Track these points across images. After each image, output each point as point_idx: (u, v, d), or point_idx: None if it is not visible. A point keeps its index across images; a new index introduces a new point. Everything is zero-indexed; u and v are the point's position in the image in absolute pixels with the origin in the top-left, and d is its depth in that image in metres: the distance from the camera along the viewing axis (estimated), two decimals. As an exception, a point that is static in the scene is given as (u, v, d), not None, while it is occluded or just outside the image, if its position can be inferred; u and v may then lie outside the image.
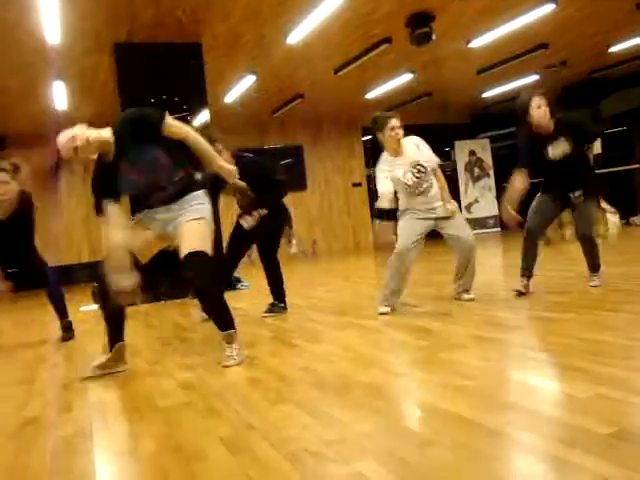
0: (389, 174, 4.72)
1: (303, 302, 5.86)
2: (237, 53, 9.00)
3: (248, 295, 7.11)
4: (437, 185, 4.83)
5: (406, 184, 4.73)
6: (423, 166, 4.75)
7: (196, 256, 3.43)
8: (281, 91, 11.55)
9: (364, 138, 14.92)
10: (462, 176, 15.53)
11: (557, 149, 4.63)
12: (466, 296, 4.89)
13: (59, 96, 9.86)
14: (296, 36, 8.24)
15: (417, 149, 4.79)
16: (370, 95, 12.29)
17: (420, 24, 7.94)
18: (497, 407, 2.28)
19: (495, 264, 8.17)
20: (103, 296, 3.68)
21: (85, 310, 7.41)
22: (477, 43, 9.40)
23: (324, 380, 2.98)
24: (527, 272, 4.80)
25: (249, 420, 2.45)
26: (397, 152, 4.75)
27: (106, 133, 3.36)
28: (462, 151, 15.59)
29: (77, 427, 2.62)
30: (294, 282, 8.84)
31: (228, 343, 3.55)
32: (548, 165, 4.71)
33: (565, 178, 4.67)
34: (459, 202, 15.67)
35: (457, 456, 1.87)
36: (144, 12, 7.20)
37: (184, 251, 3.43)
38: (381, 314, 4.64)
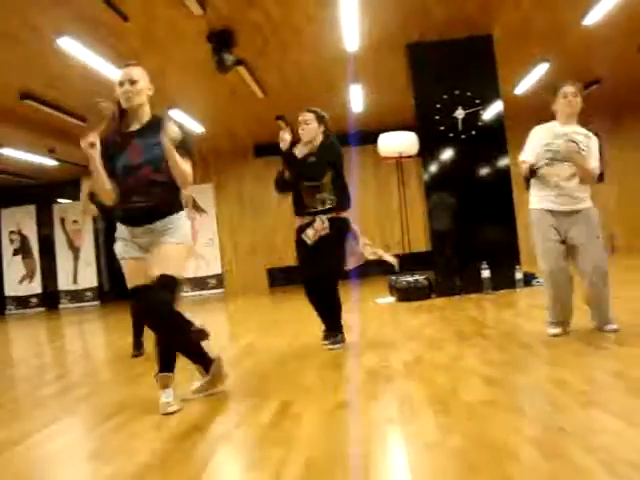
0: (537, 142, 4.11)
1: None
2: (528, 42, 8.72)
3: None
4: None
5: (549, 150, 4.04)
6: (581, 149, 4.01)
7: (170, 280, 3.23)
8: (575, 77, 10.90)
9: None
10: None
11: None
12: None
13: (355, 99, 10.43)
14: (594, 16, 7.72)
15: (585, 137, 4.09)
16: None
17: None
18: None
19: None
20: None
21: (381, 302, 7.73)
22: None
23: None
24: None
25: (559, 422, 2.34)
26: (566, 122, 4.12)
27: None
28: None
29: (385, 415, 2.72)
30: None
31: (164, 387, 3.27)
32: None
33: None
34: None
35: None
36: (435, 11, 7.33)
37: (155, 271, 3.19)
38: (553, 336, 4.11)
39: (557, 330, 4.14)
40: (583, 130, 4.16)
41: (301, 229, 4.67)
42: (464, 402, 2.78)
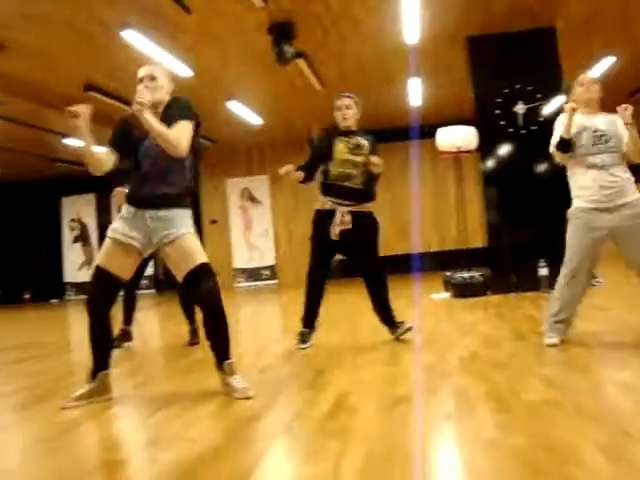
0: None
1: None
2: (594, 34, 8.50)
3: (601, 292, 6.69)
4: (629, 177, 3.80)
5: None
6: (606, 134, 3.76)
7: (208, 267, 3.31)
8: (642, 71, 10.60)
9: None
10: None
11: None
12: None
13: (414, 92, 10.34)
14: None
15: (611, 123, 3.81)
16: None
17: None
18: None
19: None
20: None
21: (435, 297, 7.67)
22: None
23: None
24: None
25: (625, 426, 2.27)
26: (589, 112, 3.86)
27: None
28: None
29: (443, 410, 2.70)
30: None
31: (232, 374, 3.31)
32: None
33: None
34: None
35: None
36: (496, 3, 7.20)
37: (196, 262, 3.27)
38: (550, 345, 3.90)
39: (555, 340, 3.93)
40: (608, 117, 3.88)
41: (320, 215, 4.73)
42: (523, 401, 2.73)
